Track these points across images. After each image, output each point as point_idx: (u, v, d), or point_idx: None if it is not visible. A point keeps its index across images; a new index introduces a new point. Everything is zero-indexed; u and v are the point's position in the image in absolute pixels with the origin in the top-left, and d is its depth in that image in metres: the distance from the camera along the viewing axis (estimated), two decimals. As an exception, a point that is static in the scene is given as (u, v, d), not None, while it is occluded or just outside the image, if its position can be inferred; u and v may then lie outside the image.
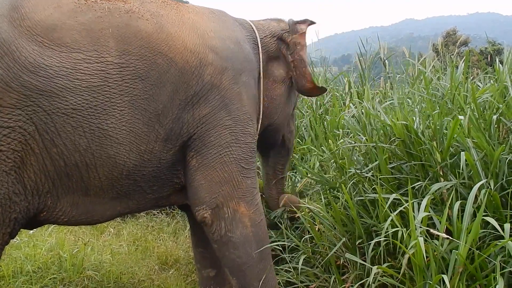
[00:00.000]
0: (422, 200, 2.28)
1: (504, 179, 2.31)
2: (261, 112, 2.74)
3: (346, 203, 2.67)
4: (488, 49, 12.89)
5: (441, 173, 2.50)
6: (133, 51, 2.16)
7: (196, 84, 2.32)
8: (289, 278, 2.80)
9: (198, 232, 2.88)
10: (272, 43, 2.86)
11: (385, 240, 2.29)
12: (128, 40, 2.16)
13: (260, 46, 2.76)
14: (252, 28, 2.81)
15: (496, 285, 1.82)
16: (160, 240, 4.05)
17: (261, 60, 2.74)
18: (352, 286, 2.49)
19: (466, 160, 2.31)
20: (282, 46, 2.88)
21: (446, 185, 2.39)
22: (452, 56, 6.50)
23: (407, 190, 2.37)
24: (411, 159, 2.66)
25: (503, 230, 1.99)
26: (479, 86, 3.70)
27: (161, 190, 2.45)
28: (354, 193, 2.77)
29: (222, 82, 2.40)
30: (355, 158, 3.08)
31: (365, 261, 2.41)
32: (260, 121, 2.75)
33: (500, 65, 3.48)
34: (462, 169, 2.34)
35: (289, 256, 2.93)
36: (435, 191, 2.38)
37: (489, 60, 9.07)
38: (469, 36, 18.61)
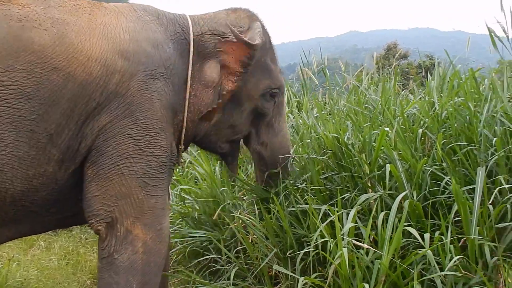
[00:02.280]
0: (350, 210, 2.36)
1: (427, 190, 2.41)
2: (185, 122, 2.41)
3: (278, 214, 2.70)
4: (425, 63, 13.45)
5: (369, 184, 2.58)
6: (19, 67, 1.91)
7: (100, 95, 2.09)
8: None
9: None
10: (210, 41, 2.46)
11: (314, 251, 2.34)
12: (16, 54, 1.91)
13: (191, 46, 2.41)
14: (188, 25, 2.46)
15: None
16: (93, 253, 3.92)
17: (190, 62, 2.39)
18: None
19: (391, 172, 2.41)
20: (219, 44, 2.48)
21: (373, 196, 2.47)
22: (389, 68, 6.72)
23: (337, 200, 2.44)
24: (342, 170, 2.73)
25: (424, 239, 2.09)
26: (411, 99, 3.86)
27: (63, 211, 2.25)
28: (287, 203, 2.81)
29: (129, 89, 2.15)
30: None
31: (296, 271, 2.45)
32: (183, 132, 2.43)
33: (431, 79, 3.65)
34: (388, 181, 2.43)
35: (223, 268, 2.94)
36: (363, 201, 2.46)
37: (425, 73, 9.46)
38: (408, 49, 19.36)
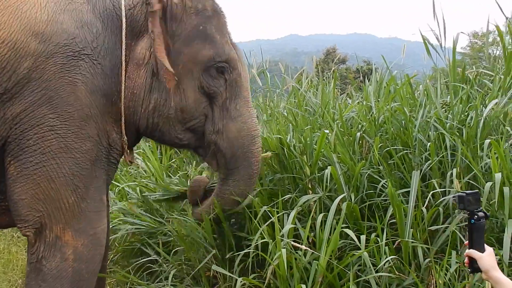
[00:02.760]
0: (291, 212, 2.38)
1: (364, 193, 2.47)
2: (122, 109, 2.14)
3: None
4: (363, 68, 13.86)
5: (309, 185, 2.61)
6: None
7: (8, 80, 1.89)
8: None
9: None
10: (141, 14, 2.18)
11: (254, 252, 2.33)
12: None
13: (123, 23, 2.14)
14: None
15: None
16: (25, 252, 3.72)
17: (123, 39, 2.13)
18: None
19: (331, 174, 2.45)
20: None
21: (313, 197, 2.50)
22: (329, 72, 6.85)
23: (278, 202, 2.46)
24: (284, 172, 2.74)
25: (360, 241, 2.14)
26: (349, 103, 3.95)
27: None
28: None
29: (45, 72, 1.93)
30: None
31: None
32: (123, 121, 2.16)
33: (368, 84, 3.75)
34: (328, 182, 2.47)
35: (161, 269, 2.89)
36: (303, 203, 2.48)
37: (362, 78, 9.74)
38: (347, 54, 19.88)
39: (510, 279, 1.34)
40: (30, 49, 1.92)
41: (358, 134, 2.76)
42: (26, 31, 1.93)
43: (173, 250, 2.89)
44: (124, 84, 2.12)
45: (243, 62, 2.38)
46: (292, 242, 2.21)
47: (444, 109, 2.94)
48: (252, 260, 2.36)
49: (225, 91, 2.29)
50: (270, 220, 2.40)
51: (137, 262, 3.17)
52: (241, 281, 2.25)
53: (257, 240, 2.34)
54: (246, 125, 2.34)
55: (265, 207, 2.50)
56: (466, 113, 2.71)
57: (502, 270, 1.86)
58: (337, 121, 3.06)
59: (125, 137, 2.18)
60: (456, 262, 2.01)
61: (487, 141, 2.32)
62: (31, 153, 1.92)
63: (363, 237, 2.12)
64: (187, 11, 2.19)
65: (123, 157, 2.27)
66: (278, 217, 2.31)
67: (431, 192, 2.23)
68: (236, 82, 2.32)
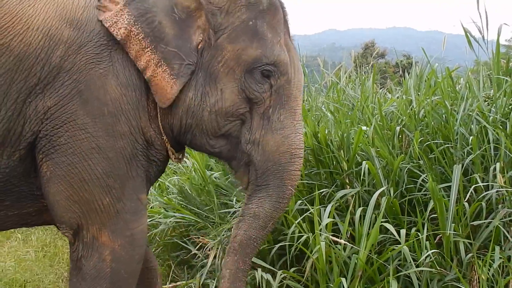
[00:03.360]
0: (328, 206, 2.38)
1: (404, 187, 2.44)
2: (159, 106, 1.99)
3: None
4: (403, 62, 13.64)
5: (347, 180, 2.61)
6: None
7: (42, 69, 1.83)
8: None
9: None
10: None
11: (292, 245, 2.35)
12: None
13: None
14: None
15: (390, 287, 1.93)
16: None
17: None
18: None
19: (369, 169, 2.44)
20: None
21: (351, 192, 2.49)
22: (367, 67, 6.78)
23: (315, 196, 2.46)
24: (320, 166, 2.74)
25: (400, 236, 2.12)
26: (388, 97, 3.90)
27: (19, 206, 2.02)
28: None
29: (76, 62, 1.85)
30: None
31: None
32: (159, 117, 2.02)
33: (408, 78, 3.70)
34: (365, 177, 2.46)
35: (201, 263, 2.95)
36: (341, 197, 2.48)
37: (402, 72, 9.59)
38: (386, 48, 19.60)
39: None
40: (63, 36, 1.85)
41: (398, 128, 2.73)
42: (61, 17, 1.87)
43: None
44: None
45: (297, 67, 2.08)
46: (331, 236, 2.21)
47: (486, 102, 2.88)
48: (291, 255, 2.38)
49: (269, 98, 2.03)
50: (307, 213, 2.41)
51: (178, 256, 3.24)
52: (281, 274, 2.26)
53: (293, 233, 2.36)
54: (288, 140, 2.03)
55: (300, 201, 2.51)
56: (510, 106, 2.65)
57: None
58: (376, 116, 3.04)
59: (165, 136, 2.04)
60: (500, 258, 1.97)
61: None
62: (63, 153, 1.86)
63: (403, 231, 2.10)
64: (236, 2, 1.98)
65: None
66: (314, 211, 2.31)
67: (473, 187, 2.19)
68: (283, 89, 2.03)
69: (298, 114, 2.07)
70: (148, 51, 1.89)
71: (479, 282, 1.98)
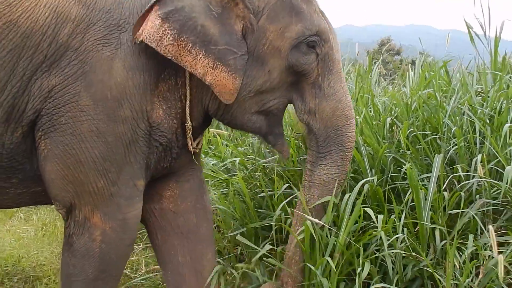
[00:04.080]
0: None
1: (389, 175, 2.49)
2: (188, 89, 2.02)
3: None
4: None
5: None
6: None
7: (48, 46, 1.81)
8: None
9: (161, 250, 2.37)
10: None
11: (276, 225, 2.41)
12: None
13: None
14: None
15: (362, 269, 1.99)
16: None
17: None
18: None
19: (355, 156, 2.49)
20: None
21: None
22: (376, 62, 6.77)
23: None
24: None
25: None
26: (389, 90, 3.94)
27: (26, 185, 2.05)
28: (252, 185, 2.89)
29: (84, 42, 1.83)
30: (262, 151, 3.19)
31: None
32: (187, 103, 2.03)
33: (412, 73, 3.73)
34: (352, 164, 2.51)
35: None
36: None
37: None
38: (402, 45, 19.43)
39: None
40: (71, 13, 1.83)
41: (388, 119, 2.77)
42: None
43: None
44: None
45: (333, 31, 2.12)
46: (314, 219, 2.26)
47: (480, 97, 2.91)
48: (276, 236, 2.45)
49: (317, 68, 2.07)
50: (292, 196, 2.48)
51: None
52: (266, 250, 2.32)
53: (279, 215, 2.43)
54: (341, 104, 2.11)
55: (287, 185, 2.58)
56: (500, 101, 2.68)
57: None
58: (369, 107, 3.08)
59: (190, 121, 2.06)
60: (473, 246, 2.01)
61: (506, 126, 2.29)
62: (62, 132, 1.86)
63: (380, 217, 2.15)
64: None
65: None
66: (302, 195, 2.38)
67: (451, 176, 2.23)
68: (328, 55, 2.08)
69: (343, 76, 2.16)
70: (201, 57, 1.88)
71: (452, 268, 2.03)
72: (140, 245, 3.55)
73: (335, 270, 2.07)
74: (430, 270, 2.00)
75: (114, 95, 1.86)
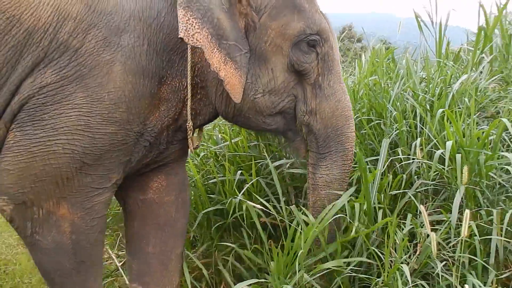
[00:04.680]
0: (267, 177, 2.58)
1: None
2: (189, 90, 2.00)
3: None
4: (379, 47, 13.67)
5: (283, 153, 2.75)
6: None
7: (49, 44, 1.79)
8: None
9: (132, 239, 2.39)
10: None
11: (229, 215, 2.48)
12: None
13: None
14: None
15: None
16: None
17: None
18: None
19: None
20: None
21: (287, 162, 2.66)
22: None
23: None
24: (260, 139, 2.88)
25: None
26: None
27: None
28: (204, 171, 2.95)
29: (84, 44, 1.80)
30: (214, 138, 3.23)
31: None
32: (189, 103, 2.02)
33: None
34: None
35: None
36: (276, 168, 2.62)
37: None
38: (363, 33, 19.69)
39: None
40: (73, 12, 1.81)
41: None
42: None
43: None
44: (190, 63, 1.95)
45: (333, 32, 2.14)
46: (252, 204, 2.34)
47: (424, 83, 3.03)
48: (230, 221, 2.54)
49: (317, 67, 2.09)
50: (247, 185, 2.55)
51: None
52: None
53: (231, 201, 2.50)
54: (341, 104, 2.13)
55: (239, 172, 2.66)
56: (441, 87, 2.80)
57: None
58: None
59: (191, 122, 2.04)
60: (410, 225, 2.12)
61: (439, 111, 2.40)
62: (41, 127, 1.80)
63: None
64: None
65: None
66: (252, 183, 2.51)
67: (391, 158, 2.34)
68: (328, 55, 2.10)
69: (341, 76, 2.18)
70: (216, 51, 1.86)
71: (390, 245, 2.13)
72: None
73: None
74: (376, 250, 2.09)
75: (112, 98, 1.83)
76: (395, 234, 2.09)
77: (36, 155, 1.81)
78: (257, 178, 2.57)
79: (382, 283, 2.00)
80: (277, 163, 2.62)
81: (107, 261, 3.12)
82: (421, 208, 1.96)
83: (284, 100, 2.09)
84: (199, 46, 1.81)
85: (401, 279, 1.90)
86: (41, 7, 1.79)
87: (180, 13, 1.79)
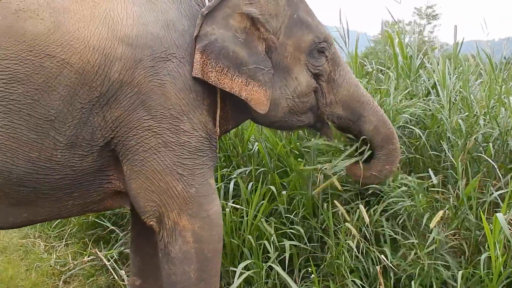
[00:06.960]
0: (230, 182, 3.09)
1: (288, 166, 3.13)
2: (219, 103, 2.29)
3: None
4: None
5: (241, 161, 3.32)
6: (11, 55, 1.98)
7: (102, 84, 2.05)
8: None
9: (136, 238, 2.71)
10: None
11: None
12: (6, 44, 1.98)
13: None
14: None
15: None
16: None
17: None
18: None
19: (259, 150, 3.16)
20: None
21: (245, 170, 3.19)
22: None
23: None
24: (220, 151, 3.40)
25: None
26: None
27: (86, 196, 2.28)
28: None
29: (135, 76, 2.08)
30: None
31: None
32: (218, 113, 2.31)
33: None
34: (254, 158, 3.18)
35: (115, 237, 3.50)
36: (238, 174, 3.16)
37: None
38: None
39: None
40: (117, 53, 2.07)
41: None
42: (113, 37, 2.08)
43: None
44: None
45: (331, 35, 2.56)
46: (233, 204, 2.86)
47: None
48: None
49: (328, 66, 2.47)
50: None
51: (94, 234, 3.80)
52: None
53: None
54: (353, 84, 2.54)
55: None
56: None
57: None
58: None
59: (218, 129, 2.31)
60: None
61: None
62: (135, 152, 2.12)
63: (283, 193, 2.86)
64: (279, 5, 2.34)
65: None
66: (218, 187, 2.99)
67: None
68: (334, 55, 2.51)
69: (347, 65, 2.62)
70: (235, 77, 2.20)
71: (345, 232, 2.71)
72: (62, 242, 3.94)
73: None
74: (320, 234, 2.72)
75: (173, 114, 2.12)
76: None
77: (147, 176, 2.15)
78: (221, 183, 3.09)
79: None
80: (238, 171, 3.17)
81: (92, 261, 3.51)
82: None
83: (310, 98, 2.47)
84: (211, 82, 2.18)
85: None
86: (86, 51, 2.04)
87: (197, 56, 2.16)
